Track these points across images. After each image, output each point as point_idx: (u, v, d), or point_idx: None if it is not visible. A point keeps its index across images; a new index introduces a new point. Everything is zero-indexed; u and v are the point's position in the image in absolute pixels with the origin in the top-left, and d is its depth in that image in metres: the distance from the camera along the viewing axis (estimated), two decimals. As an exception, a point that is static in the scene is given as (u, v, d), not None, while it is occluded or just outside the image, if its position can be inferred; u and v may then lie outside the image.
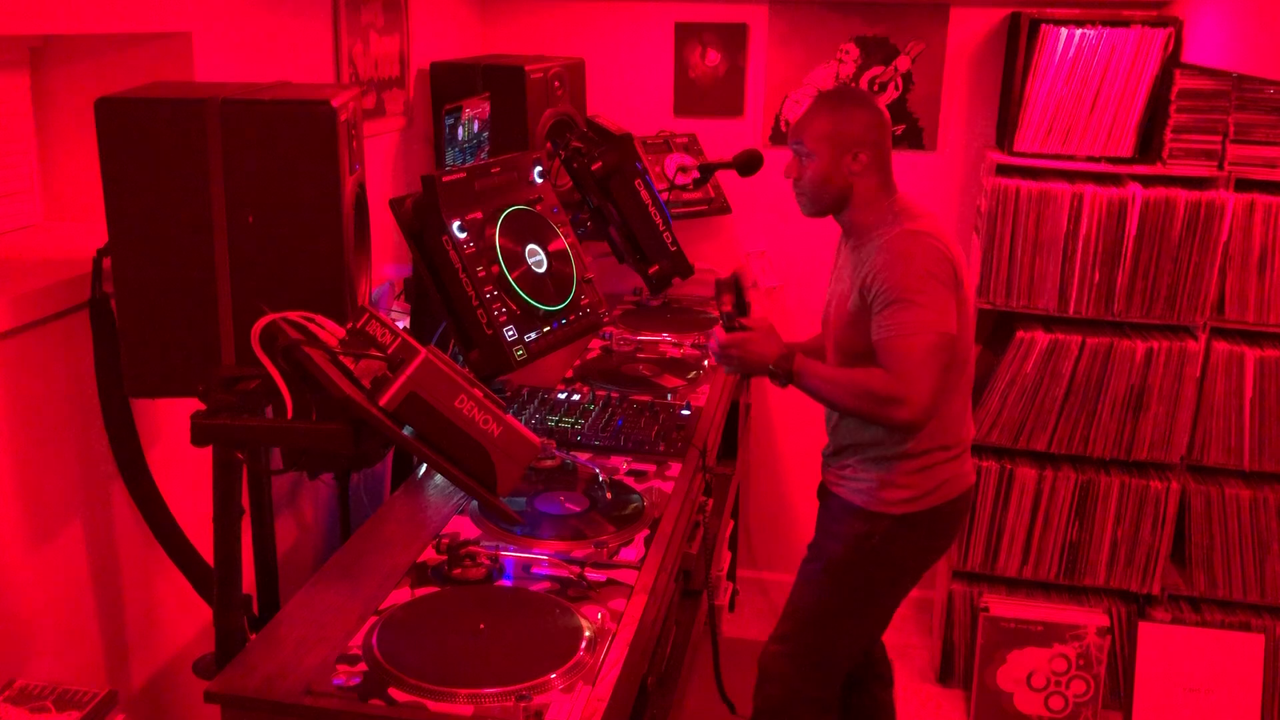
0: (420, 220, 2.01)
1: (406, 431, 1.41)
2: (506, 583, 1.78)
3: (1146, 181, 3.00)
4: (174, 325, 1.58)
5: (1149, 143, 3.05)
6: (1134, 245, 2.98)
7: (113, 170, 1.53)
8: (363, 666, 1.53)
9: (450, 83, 2.88)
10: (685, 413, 2.46)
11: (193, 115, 1.52)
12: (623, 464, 2.23)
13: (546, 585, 1.76)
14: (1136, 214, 2.96)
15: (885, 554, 2.30)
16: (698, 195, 3.36)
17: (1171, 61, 2.97)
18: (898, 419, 2.11)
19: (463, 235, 1.99)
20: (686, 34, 3.47)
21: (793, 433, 3.74)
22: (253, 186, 1.54)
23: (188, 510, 1.84)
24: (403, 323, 2.32)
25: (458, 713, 1.44)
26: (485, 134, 2.74)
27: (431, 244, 2.00)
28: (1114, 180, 3.06)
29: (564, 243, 2.18)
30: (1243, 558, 3.10)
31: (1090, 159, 3.06)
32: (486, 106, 2.74)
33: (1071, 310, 3.06)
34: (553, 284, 2.12)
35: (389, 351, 1.43)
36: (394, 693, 1.47)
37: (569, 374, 2.79)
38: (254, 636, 1.63)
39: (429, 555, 1.85)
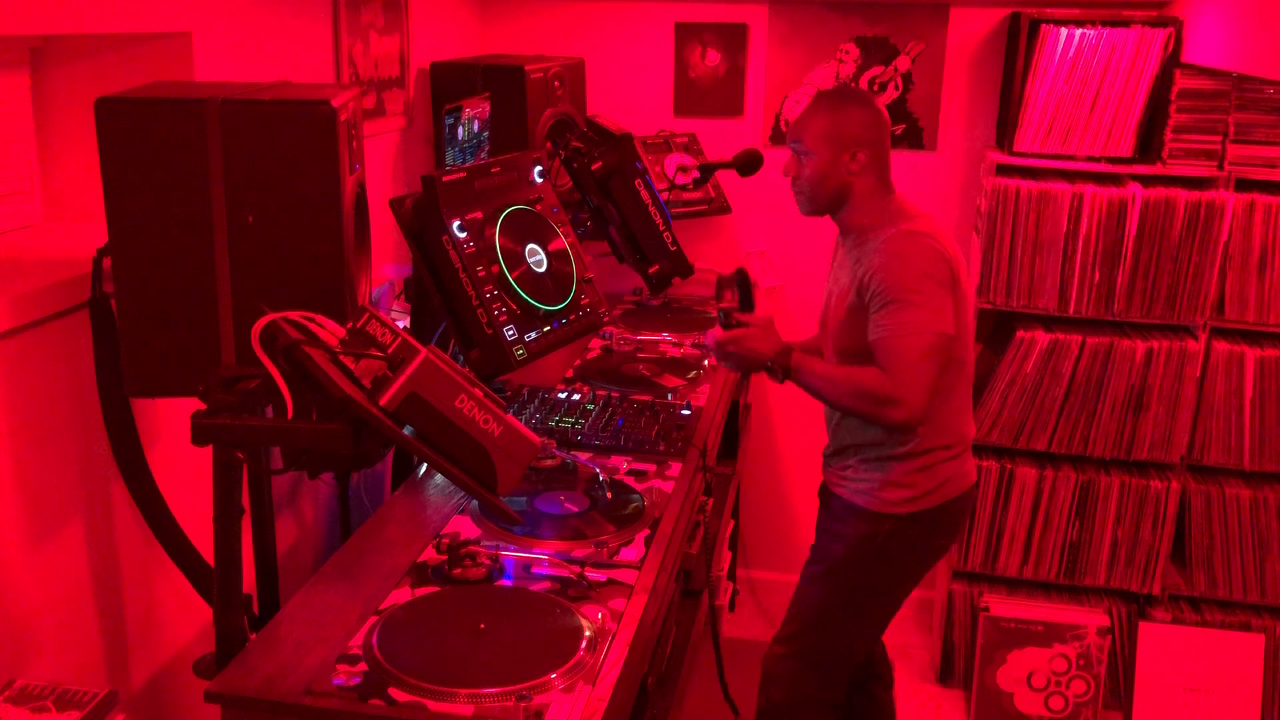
0: (420, 220, 2.01)
1: (407, 431, 1.41)
2: (507, 583, 1.78)
3: (1146, 181, 3.00)
4: (174, 325, 1.58)
5: (1149, 143, 3.05)
6: (1134, 245, 2.98)
7: (113, 170, 1.53)
8: (363, 666, 1.53)
9: (450, 83, 2.88)
10: (685, 412, 2.46)
11: (193, 115, 1.52)
12: (623, 464, 2.23)
13: (547, 585, 1.76)
14: (1136, 214, 2.96)
15: (888, 554, 2.30)
16: (698, 195, 3.36)
17: (1171, 61, 2.97)
18: (892, 419, 2.11)
19: (463, 235, 1.99)
20: (686, 34, 3.47)
21: (793, 433, 3.74)
22: (253, 186, 1.54)
23: (188, 510, 1.84)
24: (403, 323, 2.32)
25: (458, 713, 1.44)
26: (485, 134, 2.74)
27: (431, 244, 2.00)
28: (1114, 180, 3.06)
29: (564, 242, 2.18)
30: (1243, 558, 3.10)
31: (1090, 159, 3.06)
32: (486, 106, 2.74)
33: (1071, 310, 3.06)
34: (553, 284, 2.12)
35: (389, 351, 1.43)
36: (394, 693, 1.47)
37: (569, 374, 2.79)
38: (254, 636, 1.63)
39: (429, 555, 1.85)
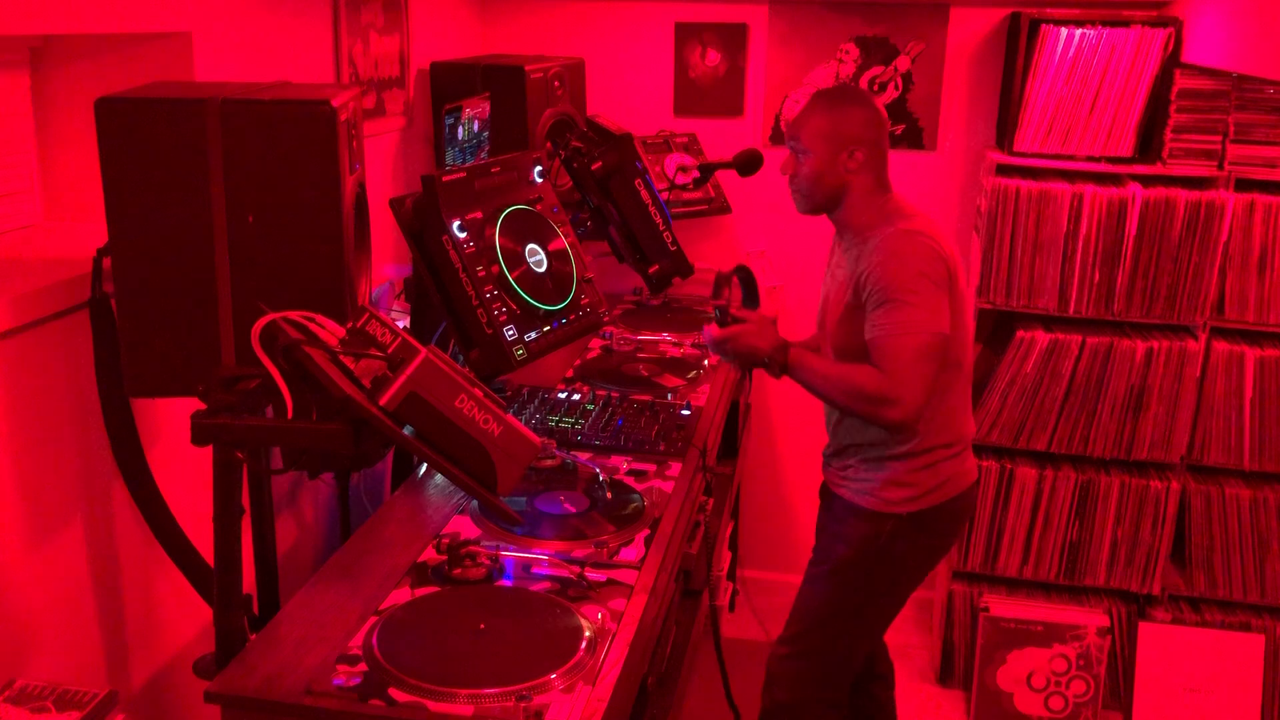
0: (420, 220, 2.01)
1: (407, 431, 1.41)
2: (506, 583, 1.78)
3: (1146, 181, 3.00)
4: (174, 325, 1.58)
5: (1149, 143, 3.05)
6: (1134, 245, 2.98)
7: (113, 170, 1.53)
8: (363, 666, 1.53)
9: (450, 83, 2.88)
10: (685, 412, 2.46)
11: (193, 115, 1.52)
12: (623, 464, 2.23)
13: (546, 585, 1.76)
14: (1136, 214, 2.96)
15: (891, 553, 2.30)
16: (698, 195, 3.36)
17: (1171, 61, 2.97)
18: (888, 418, 2.11)
19: (463, 235, 1.99)
20: (686, 34, 3.47)
21: (793, 433, 3.74)
22: (253, 186, 1.54)
23: (188, 510, 1.84)
24: (403, 323, 2.32)
25: (458, 713, 1.44)
26: (485, 134, 2.74)
27: (431, 244, 2.00)
28: (1114, 180, 3.06)
29: (564, 242, 2.18)
30: (1243, 558, 3.10)
31: (1090, 159, 3.06)
32: (486, 106, 2.74)
33: (1071, 310, 3.06)
34: (553, 284, 2.12)
35: (389, 351, 1.43)
36: (394, 693, 1.47)
37: (569, 374, 2.79)
38: (254, 636, 1.63)
39: (429, 555, 1.84)
